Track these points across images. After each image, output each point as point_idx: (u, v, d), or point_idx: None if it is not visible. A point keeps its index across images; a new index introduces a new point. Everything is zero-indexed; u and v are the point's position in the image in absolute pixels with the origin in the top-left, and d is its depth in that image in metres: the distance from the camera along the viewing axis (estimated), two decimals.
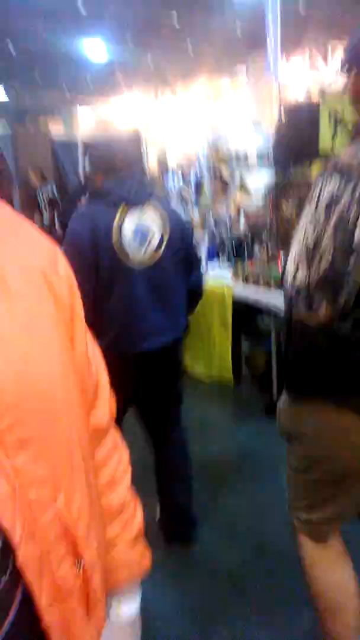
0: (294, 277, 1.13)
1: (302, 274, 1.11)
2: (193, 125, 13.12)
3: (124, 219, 1.89)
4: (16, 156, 7.30)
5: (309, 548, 1.43)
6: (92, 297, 1.85)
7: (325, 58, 11.96)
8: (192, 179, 6.43)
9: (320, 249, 1.08)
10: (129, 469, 0.81)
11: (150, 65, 13.75)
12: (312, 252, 1.10)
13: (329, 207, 1.08)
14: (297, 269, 1.13)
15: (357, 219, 1.05)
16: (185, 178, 6.81)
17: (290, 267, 1.15)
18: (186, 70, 14.42)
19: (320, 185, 1.12)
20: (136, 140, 2.13)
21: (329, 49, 11.63)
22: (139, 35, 11.39)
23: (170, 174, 7.28)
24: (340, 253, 1.06)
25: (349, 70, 1.24)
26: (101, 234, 1.86)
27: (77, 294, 0.71)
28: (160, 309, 2.04)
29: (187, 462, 2.35)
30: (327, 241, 1.07)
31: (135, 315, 1.97)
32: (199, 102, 16.17)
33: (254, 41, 8.76)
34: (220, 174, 5.18)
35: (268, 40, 6.24)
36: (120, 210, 1.89)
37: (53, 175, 7.22)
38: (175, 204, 5.21)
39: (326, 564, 1.41)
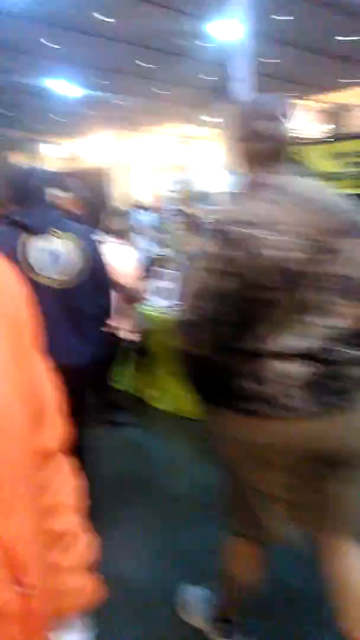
0: (181, 317, 1.40)
1: (187, 314, 1.37)
2: (161, 165, 13.36)
3: (29, 241, 2.00)
4: None
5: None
6: None
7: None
8: (160, 217, 6.47)
9: (194, 292, 1.34)
10: (77, 497, 0.78)
11: (118, 105, 14.04)
12: (192, 297, 1.35)
13: (203, 258, 1.34)
14: (183, 311, 1.39)
15: (220, 270, 1.29)
16: (154, 215, 6.86)
17: (178, 310, 1.42)
18: (153, 113, 14.81)
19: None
20: (44, 175, 2.32)
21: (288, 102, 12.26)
22: (106, 76, 11.66)
23: (137, 211, 7.31)
24: (213, 301, 1.31)
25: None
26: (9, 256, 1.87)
27: (28, 312, 0.70)
28: (73, 332, 2.14)
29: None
30: (196, 286, 1.34)
31: (53, 335, 1.97)
32: (166, 144, 16.57)
33: (220, 88, 9.13)
34: (190, 213, 5.23)
35: (233, 87, 6.49)
36: (24, 235, 2.00)
37: None
38: (143, 240, 5.20)
39: None
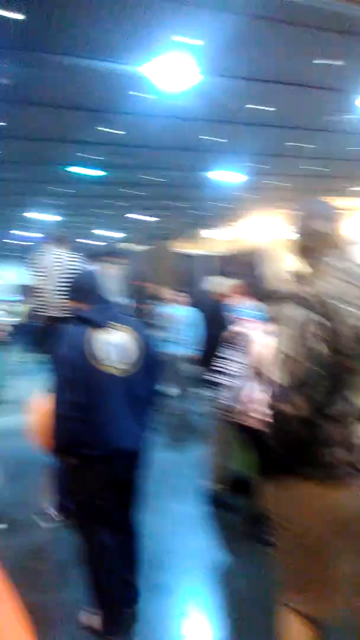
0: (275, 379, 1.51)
1: (281, 378, 1.48)
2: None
3: (94, 335, 2.27)
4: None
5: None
6: (79, 406, 2.22)
7: None
8: None
9: (291, 357, 1.45)
10: None
11: (276, 186, 14.80)
12: (286, 361, 1.46)
13: (294, 326, 1.48)
14: (277, 374, 1.50)
15: (312, 335, 1.44)
16: None
17: (273, 372, 1.50)
18: (307, 190, 15.28)
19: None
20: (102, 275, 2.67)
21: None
22: (263, 160, 12.51)
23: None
24: (309, 364, 1.43)
25: None
26: (78, 348, 2.25)
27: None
28: (131, 415, 2.37)
29: (138, 548, 2.71)
30: (294, 351, 1.45)
31: (115, 418, 2.31)
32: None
33: None
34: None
35: None
36: (91, 329, 2.28)
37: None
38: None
39: None
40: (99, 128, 9.89)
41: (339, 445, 1.49)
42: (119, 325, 2.39)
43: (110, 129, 10.18)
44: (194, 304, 7.39)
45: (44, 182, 14.62)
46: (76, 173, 12.77)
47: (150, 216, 21.10)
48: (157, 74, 6.37)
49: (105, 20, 6.16)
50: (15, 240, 24.66)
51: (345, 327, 1.47)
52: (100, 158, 12.29)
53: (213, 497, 3.92)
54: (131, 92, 8.32)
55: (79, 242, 27.42)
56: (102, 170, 12.68)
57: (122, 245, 27.84)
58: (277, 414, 1.51)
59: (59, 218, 19.37)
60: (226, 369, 3.30)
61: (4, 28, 6.17)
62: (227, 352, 3.36)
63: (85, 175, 12.95)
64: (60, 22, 6.11)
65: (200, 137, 10.89)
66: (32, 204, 17.22)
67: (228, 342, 3.40)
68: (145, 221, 22.05)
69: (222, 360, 3.37)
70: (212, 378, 3.43)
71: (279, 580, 1.73)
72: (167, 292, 7.45)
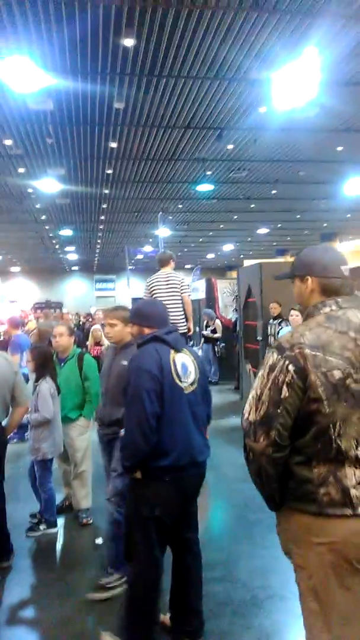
0: (247, 416, 1.69)
1: (252, 416, 1.67)
2: None
3: (175, 356, 2.54)
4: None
5: None
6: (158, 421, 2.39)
7: None
8: None
9: (262, 399, 1.64)
10: None
11: None
12: (257, 401, 1.66)
13: (270, 372, 1.65)
14: (248, 412, 1.68)
15: (284, 383, 1.61)
16: None
17: (246, 409, 1.70)
18: None
19: (268, 355, 1.70)
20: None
21: None
22: None
23: None
24: (272, 403, 1.63)
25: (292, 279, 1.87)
26: (166, 366, 2.47)
27: None
28: (197, 430, 2.56)
29: (201, 568, 2.70)
30: (265, 394, 1.64)
31: (188, 434, 2.49)
32: None
33: None
34: None
35: None
36: (172, 351, 2.54)
37: None
38: None
39: None
40: (220, 144, 9.93)
41: (328, 483, 1.61)
42: (185, 349, 2.64)
43: (228, 144, 10.20)
44: None
45: (159, 200, 15.10)
46: (197, 190, 12.97)
47: (270, 229, 20.86)
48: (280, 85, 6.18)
49: (218, 37, 6.16)
50: (134, 255, 25.84)
51: (319, 377, 1.60)
52: (214, 173, 12.39)
53: None
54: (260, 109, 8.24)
55: (194, 259, 28.05)
56: (214, 184, 12.74)
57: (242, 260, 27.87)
58: (245, 447, 1.68)
59: (173, 233, 19.87)
60: None
61: (117, 55, 6.45)
62: None
63: (203, 191, 13.12)
64: (170, 44, 6.24)
65: (335, 148, 10.50)
66: (147, 221, 17.89)
67: None
68: (263, 235, 21.86)
69: None
70: None
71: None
72: (286, 311, 7.16)
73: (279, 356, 1.65)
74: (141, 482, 2.42)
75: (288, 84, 6.10)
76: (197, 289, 12.30)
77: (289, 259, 16.12)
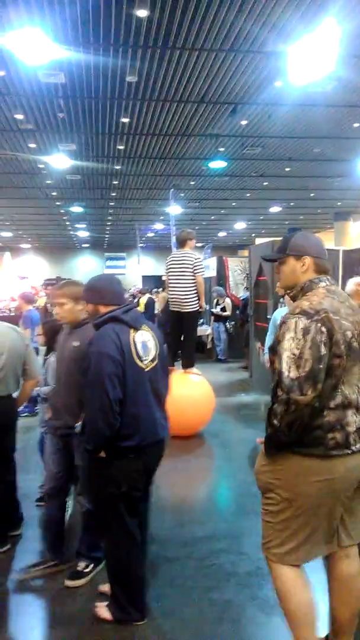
0: (288, 374, 1.87)
1: (293, 373, 1.86)
2: None
3: (135, 335, 2.49)
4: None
5: (284, 575, 2.02)
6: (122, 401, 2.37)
7: None
8: None
9: (304, 357, 1.86)
10: None
11: None
12: (297, 360, 1.86)
13: (306, 334, 1.88)
14: (289, 370, 1.87)
15: (321, 342, 1.87)
16: None
17: (284, 367, 1.88)
18: None
19: (294, 321, 1.91)
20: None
21: None
22: None
23: None
24: (316, 359, 1.86)
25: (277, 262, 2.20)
26: (125, 349, 2.41)
27: None
28: (158, 407, 2.58)
29: (147, 533, 2.79)
30: (307, 353, 1.86)
31: (151, 414, 2.50)
32: None
33: None
34: None
35: None
36: (131, 330, 2.48)
37: None
38: None
39: (300, 586, 2.01)
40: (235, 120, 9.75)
41: (335, 428, 1.90)
42: (144, 325, 2.59)
43: (242, 120, 10.02)
44: None
45: (171, 176, 14.94)
46: (209, 167, 12.80)
47: (283, 207, 20.60)
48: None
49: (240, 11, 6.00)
50: (145, 233, 25.69)
51: (340, 336, 1.91)
52: (227, 149, 12.21)
53: None
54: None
55: (205, 237, 27.86)
56: (226, 161, 12.55)
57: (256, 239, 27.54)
58: (288, 401, 1.85)
59: (185, 210, 19.70)
60: None
61: (130, 26, 6.31)
62: None
63: (215, 168, 12.95)
64: (184, 15, 6.09)
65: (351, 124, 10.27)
66: (159, 198, 17.73)
67: None
68: (276, 213, 21.61)
69: None
70: None
71: (264, 535, 2.07)
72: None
73: (309, 320, 1.89)
74: (105, 460, 2.41)
75: (305, 57, 5.95)
76: (207, 266, 12.24)
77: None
